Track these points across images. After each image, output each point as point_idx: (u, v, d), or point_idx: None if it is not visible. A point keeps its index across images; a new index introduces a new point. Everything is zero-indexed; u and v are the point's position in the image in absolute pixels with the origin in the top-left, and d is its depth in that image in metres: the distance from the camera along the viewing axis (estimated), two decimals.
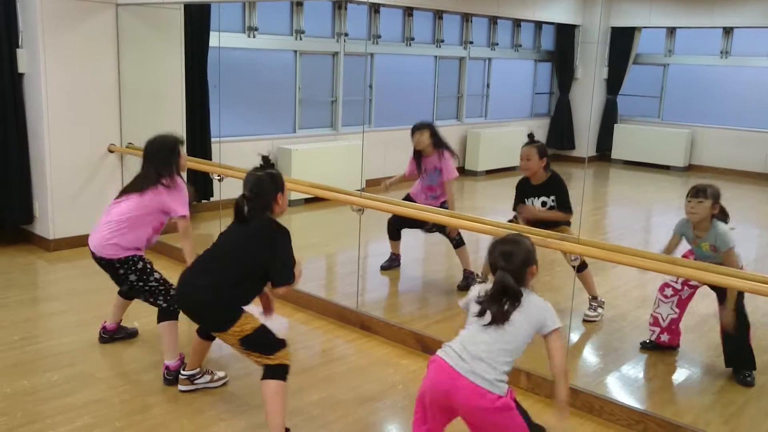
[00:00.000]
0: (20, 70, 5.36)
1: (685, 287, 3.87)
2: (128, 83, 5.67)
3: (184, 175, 3.79)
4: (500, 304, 2.40)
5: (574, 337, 4.28)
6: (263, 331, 2.94)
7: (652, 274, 3.71)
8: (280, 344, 2.96)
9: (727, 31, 10.57)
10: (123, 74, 5.65)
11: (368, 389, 3.51)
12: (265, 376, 2.93)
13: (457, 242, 4.93)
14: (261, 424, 3.14)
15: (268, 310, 3.24)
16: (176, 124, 5.90)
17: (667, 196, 9.26)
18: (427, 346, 3.93)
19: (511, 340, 2.40)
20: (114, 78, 5.62)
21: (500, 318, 2.39)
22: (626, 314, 4.65)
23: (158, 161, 3.56)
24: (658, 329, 3.98)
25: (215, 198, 6.34)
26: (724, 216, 3.67)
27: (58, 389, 3.39)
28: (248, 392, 3.38)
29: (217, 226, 5.22)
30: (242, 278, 2.92)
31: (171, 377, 3.45)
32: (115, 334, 3.94)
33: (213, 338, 3.28)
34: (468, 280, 4.95)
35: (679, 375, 3.89)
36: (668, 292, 3.92)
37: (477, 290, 2.52)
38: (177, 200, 3.56)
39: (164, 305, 3.52)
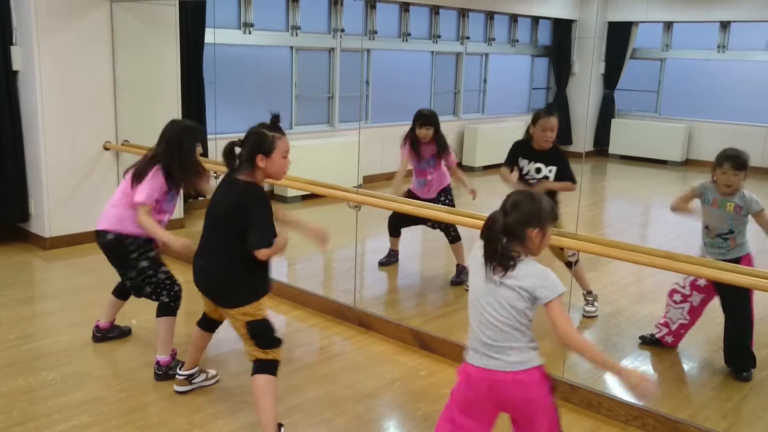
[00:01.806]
0: (14, 67, 5.33)
1: (694, 292, 3.83)
2: (123, 80, 5.65)
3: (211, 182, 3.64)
4: (487, 250, 2.26)
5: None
6: (269, 323, 2.97)
7: (649, 269, 3.70)
8: (277, 341, 2.97)
9: (724, 25, 10.55)
10: (118, 71, 5.63)
11: (366, 386, 3.51)
12: (255, 371, 2.93)
13: (454, 237, 4.92)
14: (257, 422, 3.13)
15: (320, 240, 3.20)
16: None
17: (665, 191, 9.26)
18: (424, 343, 3.92)
19: (502, 309, 2.26)
20: (109, 75, 5.60)
21: (491, 263, 2.25)
22: (624, 309, 4.64)
23: (164, 149, 3.44)
24: (666, 330, 3.96)
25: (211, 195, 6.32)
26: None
27: (54, 388, 3.38)
28: (246, 390, 3.36)
29: None
30: (233, 247, 2.87)
31: (161, 372, 3.46)
32: (108, 333, 3.92)
33: (213, 330, 3.29)
34: (461, 275, 4.95)
35: (677, 370, 3.89)
36: (677, 297, 3.89)
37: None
38: (142, 186, 3.39)
39: (166, 300, 3.50)
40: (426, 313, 4.51)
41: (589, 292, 4.48)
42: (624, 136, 11.23)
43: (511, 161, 4.46)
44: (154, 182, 3.39)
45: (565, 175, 4.30)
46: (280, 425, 2.96)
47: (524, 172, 4.38)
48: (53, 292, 4.79)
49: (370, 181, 7.68)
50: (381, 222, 5.21)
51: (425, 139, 4.84)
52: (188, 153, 3.46)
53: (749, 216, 3.60)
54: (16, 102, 5.41)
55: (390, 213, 5.10)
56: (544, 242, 2.32)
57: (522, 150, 4.42)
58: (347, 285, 4.60)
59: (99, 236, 3.56)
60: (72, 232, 5.57)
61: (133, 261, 3.49)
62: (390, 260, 5.31)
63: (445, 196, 4.97)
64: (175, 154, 3.41)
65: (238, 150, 2.93)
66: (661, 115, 11.31)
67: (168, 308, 3.50)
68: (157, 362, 3.48)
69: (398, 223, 5.13)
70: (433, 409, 3.29)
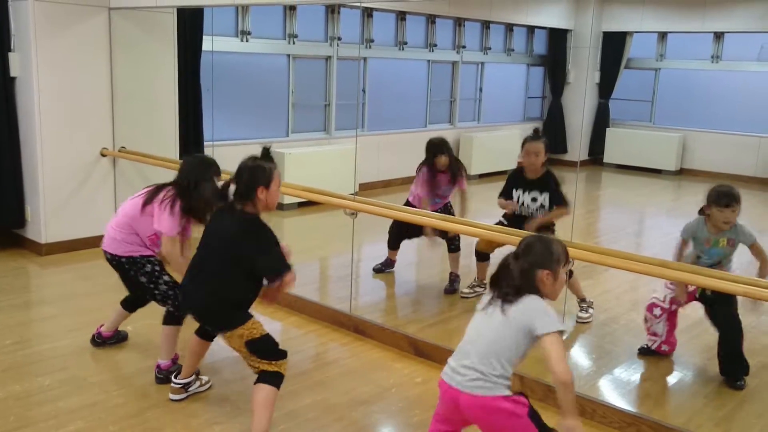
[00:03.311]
0: (12, 73, 5.34)
1: (673, 305, 3.86)
2: (121, 87, 5.66)
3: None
4: (496, 288, 2.40)
5: (567, 340, 4.29)
6: (269, 338, 3.00)
7: (644, 277, 3.73)
8: (282, 354, 3.00)
9: (718, 35, 10.63)
10: (116, 78, 5.64)
11: (362, 392, 3.52)
12: (259, 380, 2.95)
13: (456, 247, 4.94)
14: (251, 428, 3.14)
15: (268, 298, 3.17)
16: (169, 128, 5.91)
17: (659, 200, 9.30)
18: (420, 350, 3.94)
19: (497, 338, 2.35)
20: (107, 82, 5.61)
21: (502, 298, 2.37)
22: (618, 317, 4.67)
23: (184, 183, 3.44)
24: (658, 340, 3.97)
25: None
26: None
27: (50, 393, 3.38)
28: (242, 397, 3.37)
29: None
30: (232, 276, 2.94)
31: (162, 376, 3.49)
32: (108, 341, 3.94)
33: (212, 338, 3.31)
34: (454, 284, 4.97)
35: (671, 378, 3.91)
36: (657, 311, 3.90)
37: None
38: (164, 221, 3.42)
39: (171, 310, 3.53)
40: (422, 321, 4.52)
41: (583, 300, 4.51)
42: (619, 145, 11.29)
43: (506, 193, 4.49)
44: (174, 217, 3.42)
45: (556, 198, 4.33)
46: None
47: (520, 203, 4.41)
48: (49, 298, 4.79)
49: (366, 188, 7.71)
50: (377, 229, 5.23)
51: (443, 167, 4.81)
52: (204, 191, 3.43)
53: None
54: (14, 108, 5.42)
55: (389, 225, 5.10)
56: (557, 285, 2.41)
57: (516, 180, 4.45)
58: (343, 292, 4.62)
59: (105, 254, 3.65)
60: (68, 238, 5.58)
61: (133, 277, 3.57)
62: (384, 268, 5.32)
63: (445, 207, 5.02)
64: (193, 192, 3.41)
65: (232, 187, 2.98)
66: (655, 125, 11.36)
67: (173, 317, 3.52)
68: (158, 366, 3.51)
69: (399, 236, 5.10)
70: (429, 415, 3.28)
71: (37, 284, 5.14)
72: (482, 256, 4.74)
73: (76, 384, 3.48)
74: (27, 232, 5.62)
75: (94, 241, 5.66)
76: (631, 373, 3.89)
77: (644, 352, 4.05)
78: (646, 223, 8.28)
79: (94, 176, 5.67)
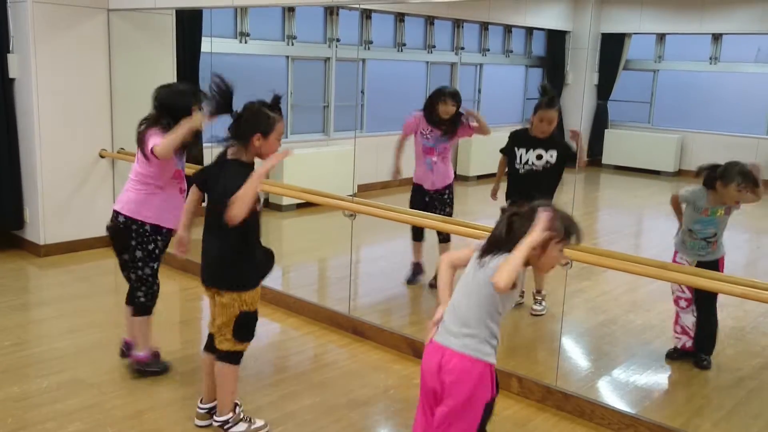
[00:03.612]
0: (11, 75, 5.34)
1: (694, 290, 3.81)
2: (120, 88, 5.67)
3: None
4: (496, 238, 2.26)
5: (565, 341, 4.29)
6: (256, 317, 2.97)
7: (642, 278, 3.73)
8: (251, 336, 3.01)
9: (716, 37, 10.64)
10: (114, 79, 5.64)
11: (361, 394, 3.52)
12: (222, 359, 2.97)
13: (445, 237, 4.85)
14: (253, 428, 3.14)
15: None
16: None
17: (658, 201, 9.30)
18: (419, 351, 3.93)
19: (475, 290, 2.27)
20: (105, 83, 5.61)
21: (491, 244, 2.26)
22: (616, 318, 4.67)
23: (165, 111, 3.34)
24: (685, 337, 3.93)
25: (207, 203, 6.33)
26: None
27: (49, 395, 3.38)
28: (239, 397, 3.37)
29: None
30: (230, 231, 2.77)
31: (140, 369, 3.53)
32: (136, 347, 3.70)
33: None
34: (416, 274, 5.01)
35: (669, 379, 3.91)
36: (683, 303, 3.88)
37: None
38: (153, 136, 3.28)
39: (143, 300, 3.50)
40: (420, 322, 4.52)
41: (539, 291, 4.55)
42: (617, 146, 11.29)
43: (506, 150, 4.48)
44: (159, 135, 3.29)
45: (568, 153, 4.26)
46: (236, 404, 3.06)
47: (523, 161, 4.32)
48: (48, 300, 4.79)
49: (364, 189, 7.70)
50: (376, 230, 5.23)
51: (446, 116, 4.70)
52: (184, 116, 3.29)
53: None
54: (13, 109, 5.42)
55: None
56: (544, 260, 2.28)
57: (519, 139, 4.39)
58: (342, 293, 4.62)
59: (113, 217, 3.48)
60: (67, 239, 5.57)
61: (131, 248, 3.45)
62: (416, 277, 5.07)
63: (449, 192, 4.88)
64: (171, 120, 3.29)
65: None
66: (653, 126, 11.37)
67: (144, 308, 3.51)
68: (135, 360, 3.53)
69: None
70: None
71: (35, 286, 5.13)
72: None
73: (75, 386, 3.48)
74: (26, 233, 5.62)
75: (93, 243, 5.70)
76: (630, 374, 3.90)
77: (674, 357, 3.97)
78: (645, 225, 8.29)
79: (92, 178, 5.67)
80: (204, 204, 3.09)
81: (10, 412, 3.20)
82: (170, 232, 3.47)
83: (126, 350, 3.68)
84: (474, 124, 4.82)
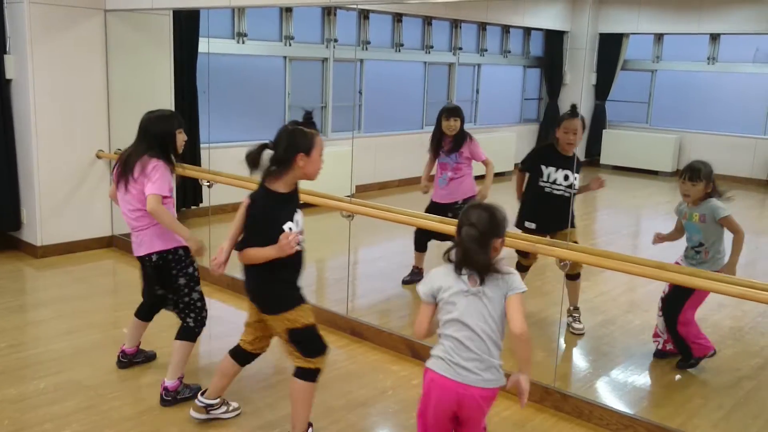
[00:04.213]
0: (8, 76, 5.33)
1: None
2: (117, 89, 5.65)
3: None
4: (468, 261, 2.36)
5: (563, 342, 4.28)
6: (312, 331, 2.89)
7: (640, 279, 3.73)
8: (323, 349, 2.92)
9: (714, 37, 10.65)
10: (111, 80, 5.63)
11: (359, 395, 3.51)
12: (296, 375, 2.89)
13: None
14: (250, 430, 3.14)
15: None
16: None
17: (656, 201, 9.31)
18: (417, 352, 3.93)
19: (488, 316, 2.36)
20: (102, 84, 5.60)
21: (477, 273, 2.36)
22: (615, 319, 4.67)
23: (151, 137, 3.30)
24: (662, 338, 3.94)
25: (204, 204, 6.33)
26: (718, 194, 3.69)
27: (45, 397, 3.37)
28: (238, 399, 3.36)
29: (206, 232, 5.21)
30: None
31: (169, 398, 3.31)
32: (134, 358, 3.70)
33: (246, 363, 3.13)
34: (415, 276, 4.99)
35: (668, 379, 3.91)
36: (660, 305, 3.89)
37: (438, 275, 2.48)
38: (154, 179, 3.24)
39: (191, 325, 3.36)
40: None
41: (576, 308, 4.39)
42: (615, 146, 11.30)
43: (530, 167, 4.34)
44: (163, 172, 3.25)
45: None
46: (309, 424, 2.98)
47: (549, 179, 4.21)
48: (45, 301, 4.77)
49: (362, 190, 7.69)
50: (374, 231, 5.22)
51: (451, 132, 4.80)
52: (172, 140, 3.33)
53: (724, 229, 3.64)
54: (9, 110, 5.40)
55: (414, 229, 4.95)
56: (500, 250, 2.43)
57: (546, 156, 4.26)
58: (340, 294, 4.61)
59: (144, 262, 3.39)
60: (64, 240, 5.56)
61: (174, 277, 3.35)
62: (414, 279, 5.07)
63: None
64: (162, 146, 3.29)
65: (267, 152, 2.77)
66: (651, 126, 11.38)
67: (190, 333, 3.35)
68: (165, 388, 3.32)
69: (425, 235, 4.89)
70: None
71: (32, 287, 5.12)
72: (523, 268, 4.47)
73: (72, 387, 3.47)
74: (22, 234, 5.61)
75: (90, 244, 5.69)
76: (628, 374, 3.89)
77: (660, 356, 3.97)
78: (643, 225, 8.29)
79: (89, 178, 5.66)
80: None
81: (6, 414, 3.19)
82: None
83: (123, 358, 3.65)
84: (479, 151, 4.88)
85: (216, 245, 3.00)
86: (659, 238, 3.92)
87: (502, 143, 10.06)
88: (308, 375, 2.88)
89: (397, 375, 3.75)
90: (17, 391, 3.42)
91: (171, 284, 3.39)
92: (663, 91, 11.34)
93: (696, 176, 3.62)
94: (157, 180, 3.22)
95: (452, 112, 4.83)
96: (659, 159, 10.88)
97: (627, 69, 11.49)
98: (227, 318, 4.43)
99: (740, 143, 10.38)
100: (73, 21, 5.36)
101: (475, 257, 2.34)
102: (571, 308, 4.38)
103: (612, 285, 5.24)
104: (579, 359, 4.23)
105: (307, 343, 2.88)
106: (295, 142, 2.74)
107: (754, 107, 10.37)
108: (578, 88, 11.25)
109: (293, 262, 2.88)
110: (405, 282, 5.14)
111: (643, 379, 3.86)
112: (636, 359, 4.06)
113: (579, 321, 4.38)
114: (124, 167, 3.31)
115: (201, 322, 3.38)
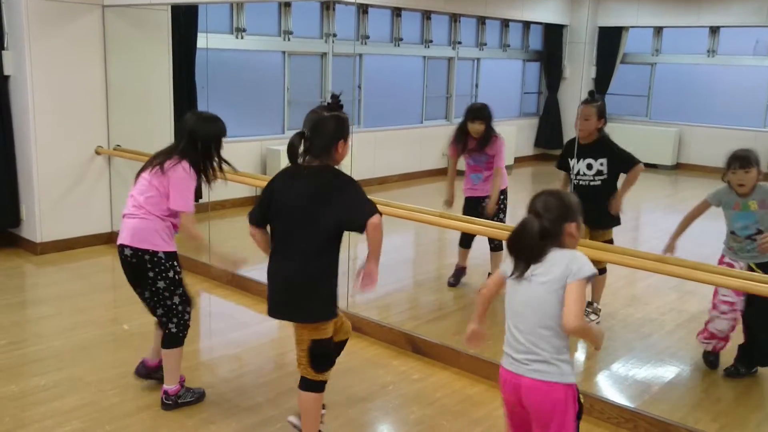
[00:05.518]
0: (6, 72, 5.31)
1: (740, 297, 3.63)
2: (115, 85, 5.64)
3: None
4: (520, 248, 2.25)
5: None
6: (329, 344, 2.81)
7: (641, 272, 3.72)
8: (331, 364, 2.87)
9: (714, 30, 10.63)
10: (110, 76, 5.62)
11: (359, 390, 3.51)
12: (302, 387, 2.82)
13: (496, 246, 4.69)
14: (251, 426, 3.14)
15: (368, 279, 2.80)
16: (164, 126, 5.86)
17: (656, 195, 9.29)
18: (417, 347, 3.93)
19: (538, 306, 2.21)
20: (101, 80, 5.59)
21: (522, 264, 2.24)
22: (616, 312, 4.66)
23: (199, 138, 3.16)
24: (715, 341, 3.78)
25: (204, 200, 6.30)
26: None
27: (46, 393, 3.36)
28: (238, 395, 3.36)
29: (206, 227, 5.19)
30: (323, 245, 2.66)
31: (170, 402, 3.25)
32: (155, 373, 3.43)
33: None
34: (459, 276, 4.91)
35: (669, 373, 3.91)
36: (724, 308, 3.69)
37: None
38: (182, 190, 3.11)
39: (174, 331, 3.21)
40: (418, 317, 4.51)
41: (590, 303, 4.36)
42: (615, 140, 11.20)
43: (560, 164, 4.28)
44: (190, 183, 3.14)
45: (622, 162, 4.10)
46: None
47: (576, 171, 4.14)
48: (44, 298, 4.77)
49: (362, 185, 7.68)
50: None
51: (476, 135, 4.61)
52: (219, 144, 3.24)
53: None
54: (8, 106, 5.39)
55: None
56: (578, 235, 2.31)
57: (570, 149, 4.19)
58: (340, 289, 4.58)
59: (120, 251, 3.19)
60: (63, 237, 5.56)
61: (150, 280, 3.16)
62: (458, 279, 4.96)
63: (503, 198, 4.73)
64: (206, 149, 3.18)
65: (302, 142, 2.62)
66: (651, 120, 11.36)
67: (175, 339, 3.22)
68: (165, 392, 3.24)
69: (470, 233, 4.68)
70: (426, 413, 3.30)
71: (32, 284, 5.11)
72: None
73: (72, 384, 3.46)
74: (22, 231, 5.60)
75: (90, 240, 5.68)
76: (629, 368, 3.89)
77: (711, 359, 3.82)
78: (643, 218, 8.27)
79: (89, 175, 5.65)
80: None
81: (7, 410, 3.19)
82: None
83: (142, 369, 3.46)
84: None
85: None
86: (671, 247, 3.75)
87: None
88: (316, 387, 2.82)
89: (397, 370, 3.75)
90: (18, 387, 3.41)
91: (145, 285, 3.20)
92: (663, 85, 11.32)
93: (747, 163, 3.48)
94: (188, 196, 3.12)
95: (477, 113, 4.60)
96: (659, 152, 10.85)
97: (626, 62, 11.46)
98: (228, 314, 4.43)
99: (740, 136, 10.34)
100: (71, 16, 5.34)
101: (524, 241, 2.23)
102: (595, 305, 4.33)
103: (612, 278, 5.22)
104: (579, 353, 4.22)
105: (323, 357, 2.78)
106: (339, 129, 2.63)
107: (754, 100, 10.34)
108: (578, 82, 11.23)
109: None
110: (450, 284, 5.00)
111: (643, 372, 3.86)
112: (637, 353, 4.06)
113: (597, 314, 4.34)
114: (160, 156, 3.17)
115: (184, 325, 3.23)
